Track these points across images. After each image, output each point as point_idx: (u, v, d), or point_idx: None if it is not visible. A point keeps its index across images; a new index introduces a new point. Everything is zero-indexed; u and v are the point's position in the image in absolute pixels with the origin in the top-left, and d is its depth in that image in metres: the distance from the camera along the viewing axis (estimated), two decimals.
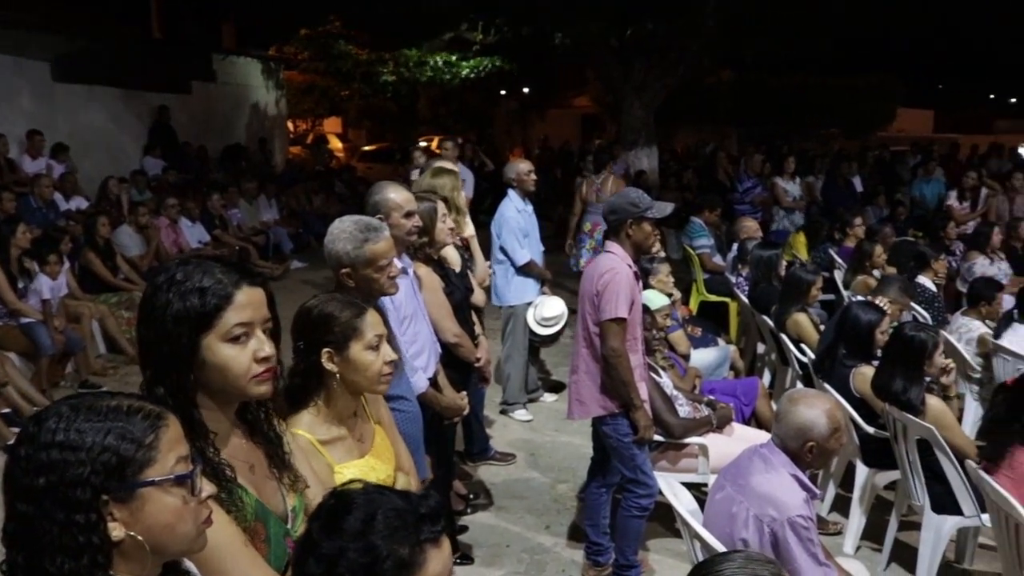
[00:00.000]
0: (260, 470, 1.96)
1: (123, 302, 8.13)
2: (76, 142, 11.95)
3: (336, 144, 26.92)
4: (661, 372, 4.88)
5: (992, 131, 34.11)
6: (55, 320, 6.99)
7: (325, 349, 2.45)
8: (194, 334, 1.77)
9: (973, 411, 5.95)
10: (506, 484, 5.49)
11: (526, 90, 29.31)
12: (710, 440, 4.61)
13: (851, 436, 4.64)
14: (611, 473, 4.29)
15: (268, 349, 1.84)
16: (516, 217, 6.18)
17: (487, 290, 5.91)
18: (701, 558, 2.89)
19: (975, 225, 9.79)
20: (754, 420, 5.42)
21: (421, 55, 21.51)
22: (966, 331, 6.08)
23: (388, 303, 3.34)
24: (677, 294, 6.19)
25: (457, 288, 4.30)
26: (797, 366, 5.80)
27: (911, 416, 4.15)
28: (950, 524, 4.16)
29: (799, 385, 5.68)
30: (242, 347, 1.81)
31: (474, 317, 4.72)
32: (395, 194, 3.62)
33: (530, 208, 6.38)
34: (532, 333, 6.20)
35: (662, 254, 6.46)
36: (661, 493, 3.58)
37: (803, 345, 5.74)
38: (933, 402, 4.28)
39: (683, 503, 3.30)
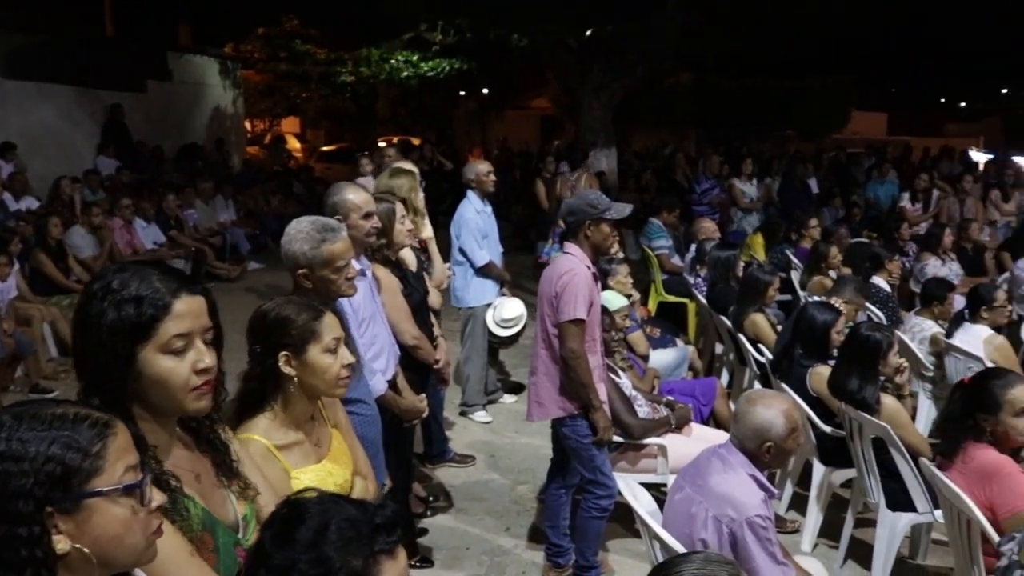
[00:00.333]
0: (207, 479, 1.91)
1: (75, 304, 7.95)
2: (27, 141, 11.73)
3: (294, 144, 26.70)
4: (620, 373, 4.89)
5: (943, 134, 34.76)
6: (4, 323, 6.84)
7: (282, 353, 2.41)
8: (130, 345, 1.70)
9: (926, 409, 6.04)
10: (466, 486, 5.46)
11: (485, 91, 29.30)
12: (669, 440, 4.63)
13: (808, 435, 4.68)
14: (571, 474, 4.29)
15: (208, 360, 1.78)
16: (475, 218, 6.16)
17: (446, 292, 5.89)
18: (661, 559, 2.90)
19: (927, 226, 9.96)
20: (712, 420, 5.46)
21: (382, 54, 21.37)
22: (919, 331, 6.18)
23: (346, 305, 3.31)
24: (636, 295, 6.21)
25: (415, 290, 4.28)
26: (755, 366, 5.85)
27: (866, 415, 4.20)
28: (904, 521, 4.23)
29: (757, 385, 5.74)
30: (181, 358, 1.75)
31: (432, 319, 4.70)
32: (353, 195, 3.59)
33: (489, 209, 6.37)
34: (491, 334, 6.18)
35: (620, 255, 6.47)
36: (621, 494, 3.59)
37: (761, 345, 5.79)
38: (888, 401, 4.34)
39: (642, 504, 3.30)
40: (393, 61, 21.66)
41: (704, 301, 7.12)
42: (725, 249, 7.20)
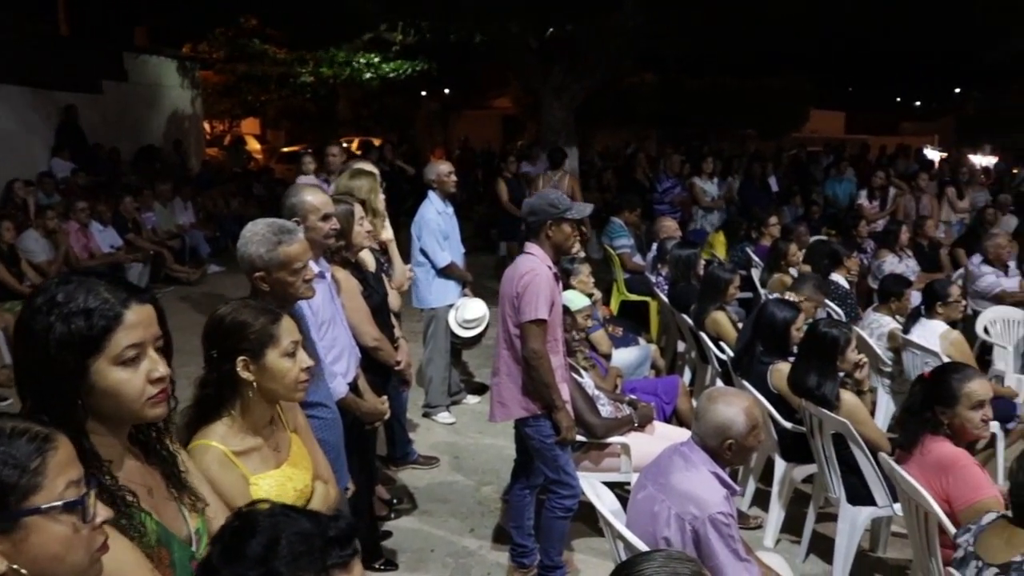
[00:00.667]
0: (159, 492, 1.88)
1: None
2: None
3: (254, 145, 26.47)
4: (583, 372, 4.89)
5: (899, 133, 35.35)
6: None
7: (240, 357, 2.38)
8: (81, 359, 1.66)
9: (885, 404, 6.12)
10: (429, 488, 5.44)
11: (447, 91, 29.25)
12: (632, 439, 4.64)
13: (769, 432, 4.72)
14: (534, 474, 4.29)
15: (162, 369, 1.75)
16: (436, 219, 6.13)
17: (407, 293, 5.85)
18: (624, 558, 2.90)
19: (884, 224, 10.10)
20: (675, 418, 5.48)
21: (345, 56, 21.24)
22: (877, 326, 6.25)
23: (305, 308, 3.28)
24: (598, 294, 6.23)
25: (375, 291, 4.25)
26: (716, 364, 5.89)
27: (826, 411, 4.24)
28: (865, 514, 4.27)
29: (719, 383, 5.77)
30: (134, 369, 1.71)
31: (393, 320, 4.67)
32: (312, 196, 3.55)
33: (450, 210, 6.35)
34: (454, 335, 6.16)
35: (582, 254, 6.49)
36: (584, 494, 3.59)
37: (722, 343, 5.83)
38: (847, 397, 4.39)
39: (605, 503, 3.31)
40: (355, 63, 21.55)
41: (666, 300, 7.15)
42: (686, 248, 7.25)
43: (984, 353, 7.03)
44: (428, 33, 15.64)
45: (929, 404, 3.53)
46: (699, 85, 25.29)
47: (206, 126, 23.07)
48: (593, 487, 3.41)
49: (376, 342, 4.12)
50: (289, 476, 2.48)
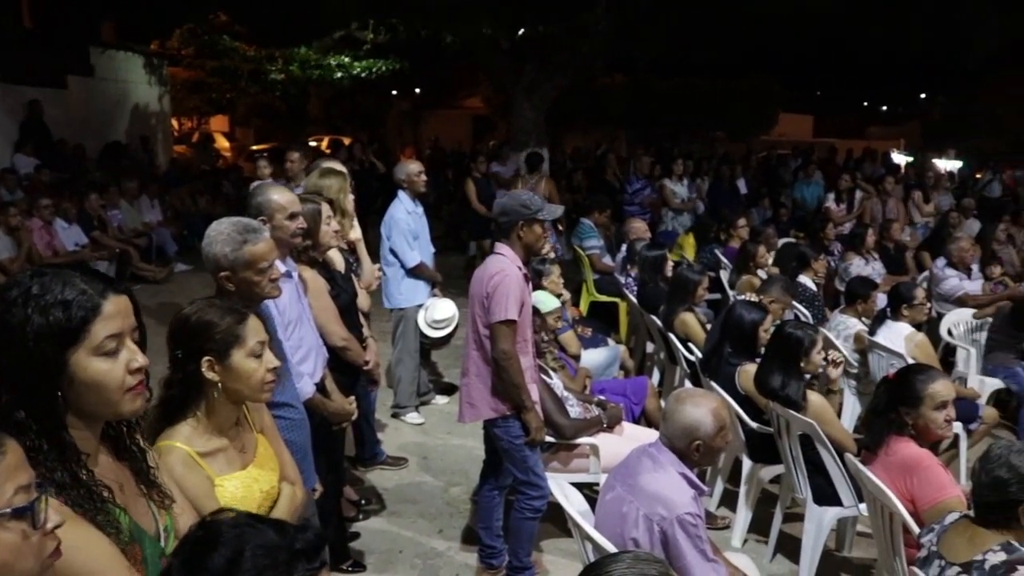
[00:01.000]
0: (129, 488, 1.86)
1: None
2: None
3: (223, 143, 26.24)
4: (552, 373, 4.89)
5: (866, 137, 35.76)
6: None
7: (205, 358, 2.35)
8: (60, 351, 1.64)
9: (851, 405, 6.17)
10: (398, 489, 5.42)
11: (418, 91, 29.19)
12: (601, 440, 4.65)
13: (737, 432, 4.75)
14: (503, 475, 4.28)
15: (141, 360, 1.75)
16: (406, 219, 6.10)
17: (377, 292, 5.82)
18: (593, 559, 2.90)
19: (851, 226, 10.19)
20: (644, 419, 5.49)
21: (317, 59, 21.10)
22: (844, 328, 6.31)
23: (272, 308, 3.25)
24: (567, 295, 6.23)
25: (343, 290, 4.22)
26: (685, 365, 5.91)
27: (793, 412, 4.27)
28: (831, 514, 4.31)
29: (687, 383, 5.79)
30: (114, 360, 1.71)
31: (362, 320, 4.64)
32: (278, 195, 3.52)
33: (420, 209, 6.32)
34: (423, 336, 6.14)
35: (552, 255, 6.50)
36: (553, 494, 3.58)
37: (691, 344, 5.85)
38: (814, 398, 4.43)
39: (574, 504, 3.30)
40: (326, 63, 21.43)
41: (635, 301, 7.17)
42: (654, 249, 7.28)
43: (948, 355, 7.13)
44: (399, 32, 15.59)
45: (894, 405, 3.56)
46: (669, 86, 25.44)
47: (174, 123, 22.85)
48: (561, 488, 3.41)
49: (344, 342, 4.09)
50: (255, 477, 2.45)
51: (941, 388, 3.52)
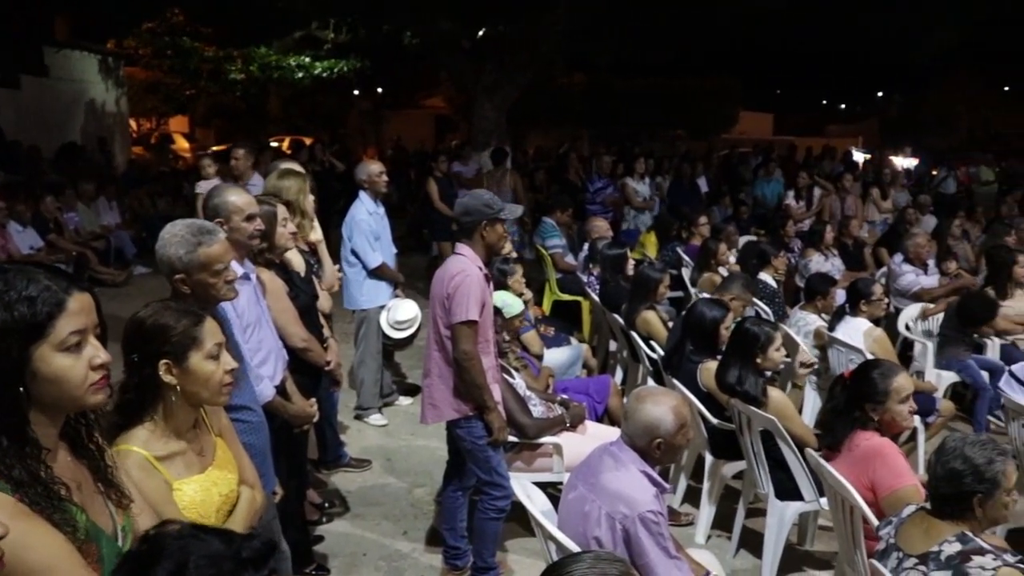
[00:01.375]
0: (87, 487, 1.86)
1: None
2: None
3: (182, 144, 25.94)
4: (514, 373, 4.88)
5: (825, 134, 36.23)
6: None
7: (162, 361, 2.32)
8: (24, 346, 1.66)
9: (812, 400, 6.23)
10: (362, 491, 5.38)
11: (380, 90, 29.07)
12: (564, 439, 4.65)
13: (699, 429, 4.78)
14: (467, 476, 4.27)
15: (103, 356, 1.77)
16: (367, 219, 6.06)
17: (338, 294, 5.78)
18: (556, 559, 2.90)
19: (810, 223, 10.30)
20: (607, 418, 5.50)
21: (276, 59, 20.92)
22: (803, 324, 6.37)
23: (230, 310, 3.21)
24: (528, 294, 6.23)
25: (302, 292, 4.18)
26: (648, 363, 5.94)
27: (754, 408, 4.31)
28: (792, 509, 4.35)
29: (650, 381, 5.82)
30: (77, 355, 1.73)
31: (322, 321, 4.60)
32: (235, 197, 3.48)
33: (382, 210, 6.28)
34: (386, 337, 6.10)
35: (514, 255, 6.49)
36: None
37: (653, 342, 5.88)
38: (774, 394, 4.47)
39: (537, 504, 3.30)
40: (286, 63, 21.27)
41: (597, 299, 7.19)
42: (615, 248, 7.31)
43: (906, 349, 7.23)
44: (360, 32, 15.52)
45: (858, 403, 3.62)
46: (630, 86, 25.56)
47: (132, 123, 22.54)
48: (524, 488, 3.41)
49: (304, 343, 4.06)
50: (214, 481, 2.43)
51: (904, 381, 3.63)
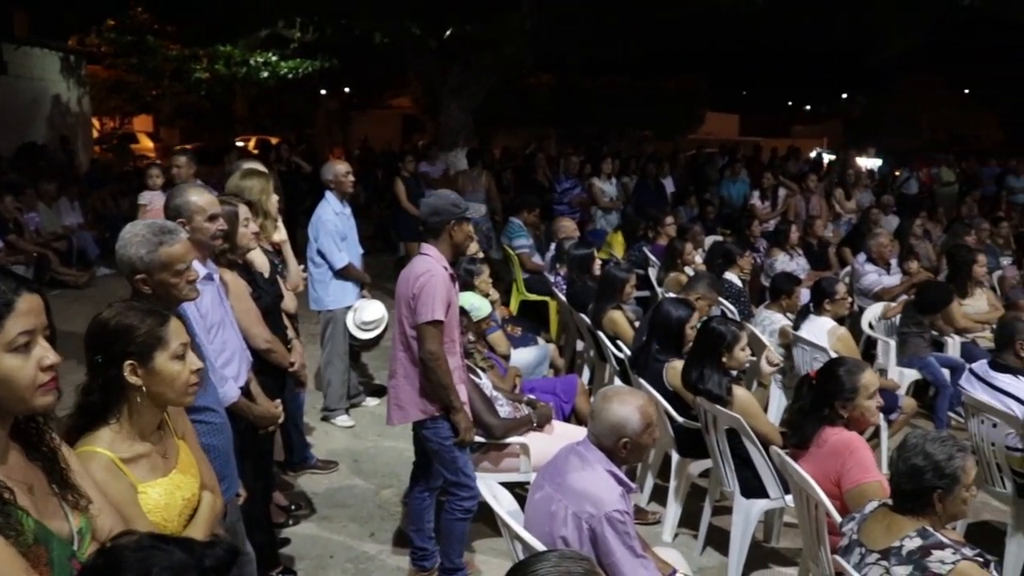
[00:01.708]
0: (40, 489, 1.84)
1: None
2: None
3: (147, 143, 25.65)
4: (481, 373, 4.88)
5: (790, 135, 36.60)
6: None
7: (127, 362, 2.30)
8: None
9: (777, 399, 6.29)
10: (329, 493, 5.35)
11: (347, 90, 28.93)
12: (531, 439, 4.65)
13: (666, 428, 4.80)
14: (433, 477, 4.26)
15: (52, 357, 1.77)
16: (334, 220, 6.03)
17: (304, 294, 5.74)
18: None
19: (776, 223, 10.39)
20: (574, 417, 5.51)
21: (242, 55, 20.71)
22: (769, 323, 6.43)
23: (193, 311, 3.18)
24: (495, 294, 6.22)
25: (265, 292, 4.15)
26: (615, 362, 5.95)
27: (720, 407, 4.34)
28: (758, 507, 4.38)
29: (617, 381, 5.83)
30: (26, 356, 1.73)
31: (286, 321, 4.56)
32: (197, 197, 3.45)
33: (348, 210, 6.24)
34: (352, 337, 6.08)
35: (480, 255, 6.48)
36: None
37: (620, 341, 5.89)
38: (740, 393, 4.50)
39: (503, 504, 3.30)
40: (252, 62, 21.08)
41: (564, 299, 7.20)
42: (582, 247, 7.32)
43: (869, 348, 7.31)
44: (328, 31, 15.42)
45: (827, 401, 3.66)
46: (597, 86, 25.64)
47: (95, 123, 22.24)
48: (490, 488, 3.40)
49: (268, 344, 4.03)
50: (178, 484, 2.42)
51: (871, 377, 3.70)
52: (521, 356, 6.19)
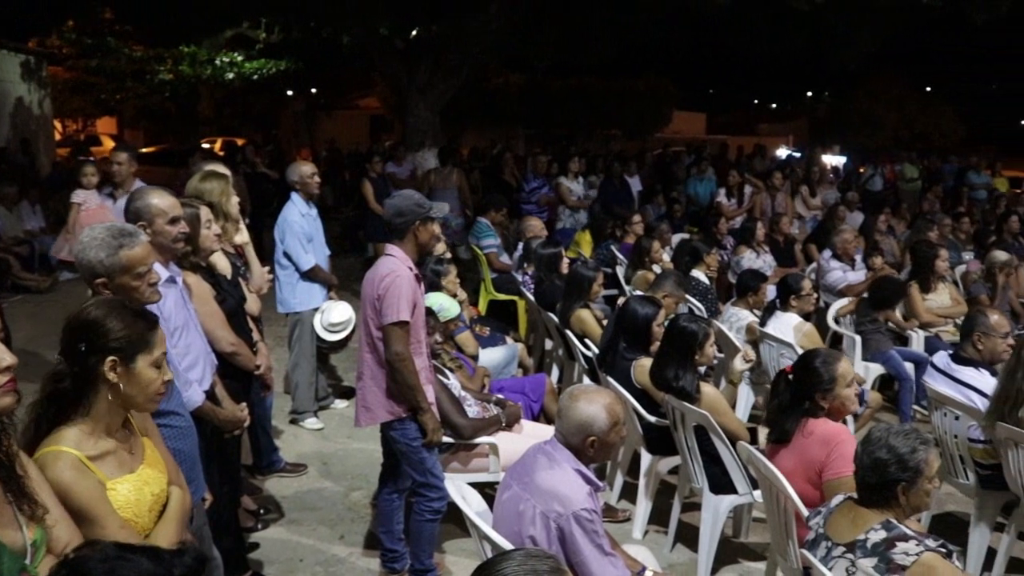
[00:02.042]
0: None
1: None
2: None
3: (110, 145, 25.31)
4: (449, 373, 4.87)
5: (756, 133, 36.88)
6: None
7: (111, 358, 2.30)
8: None
9: (745, 395, 6.32)
10: (297, 495, 5.31)
11: (314, 90, 28.77)
12: (500, 439, 4.65)
13: (634, 426, 4.81)
14: (402, 478, 4.24)
15: (8, 358, 1.75)
16: (300, 221, 5.98)
17: (270, 297, 5.69)
18: None
19: (742, 221, 10.46)
20: (543, 416, 5.51)
21: (207, 55, 20.50)
22: (736, 320, 6.47)
23: (157, 314, 3.13)
24: (463, 295, 6.21)
25: (229, 295, 4.11)
26: (583, 361, 5.96)
27: (688, 404, 4.36)
28: (727, 502, 4.41)
29: (586, 379, 5.84)
30: None
31: (251, 324, 4.52)
32: (158, 199, 3.41)
33: (314, 212, 6.20)
34: (320, 339, 6.04)
35: (448, 255, 6.47)
36: None
37: (588, 340, 5.90)
38: (707, 389, 4.52)
39: (472, 505, 3.29)
40: (217, 62, 20.88)
41: (532, 298, 7.20)
42: (549, 247, 7.32)
43: (835, 343, 7.38)
44: (294, 32, 15.32)
45: (807, 394, 3.68)
46: (565, 86, 25.70)
47: (57, 125, 21.92)
48: (459, 489, 3.39)
49: (233, 347, 3.99)
50: (146, 480, 2.42)
51: (847, 366, 3.75)
52: (490, 356, 6.18)
